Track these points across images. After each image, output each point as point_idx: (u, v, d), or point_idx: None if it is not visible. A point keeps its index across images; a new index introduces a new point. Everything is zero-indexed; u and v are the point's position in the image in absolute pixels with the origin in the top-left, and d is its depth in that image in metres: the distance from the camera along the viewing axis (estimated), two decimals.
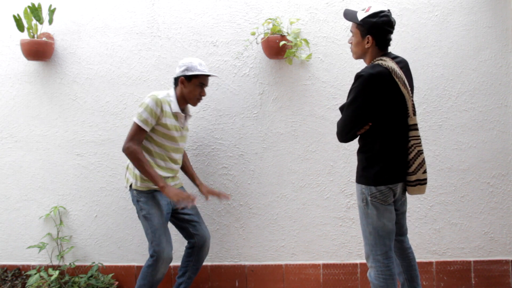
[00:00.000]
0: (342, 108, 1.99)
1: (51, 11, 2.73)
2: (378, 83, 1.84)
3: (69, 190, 2.89)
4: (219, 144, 2.83)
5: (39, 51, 2.72)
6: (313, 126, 2.77)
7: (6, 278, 2.81)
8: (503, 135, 2.73)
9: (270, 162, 2.80)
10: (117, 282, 2.81)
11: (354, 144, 2.22)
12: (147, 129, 2.23)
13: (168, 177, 2.36)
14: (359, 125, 1.91)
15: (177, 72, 2.35)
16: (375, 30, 1.90)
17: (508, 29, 2.71)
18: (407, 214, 2.37)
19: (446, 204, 2.75)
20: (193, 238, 2.46)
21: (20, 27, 2.69)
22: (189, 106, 2.50)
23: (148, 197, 2.31)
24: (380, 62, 1.88)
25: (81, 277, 2.73)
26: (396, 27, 1.96)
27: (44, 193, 2.90)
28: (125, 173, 2.43)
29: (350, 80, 2.00)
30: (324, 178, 2.78)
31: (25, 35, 2.79)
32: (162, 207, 2.33)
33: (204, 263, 2.78)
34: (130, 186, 2.35)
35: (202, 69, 2.33)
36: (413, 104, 1.92)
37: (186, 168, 2.59)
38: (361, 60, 2.08)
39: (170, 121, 2.30)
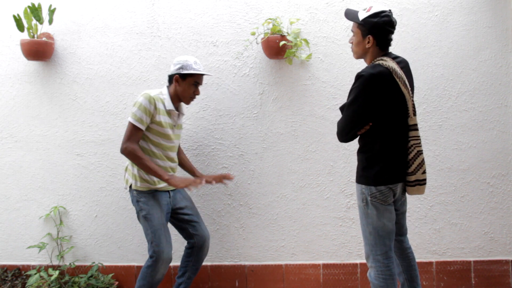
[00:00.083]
0: (342, 108, 1.99)
1: (51, 11, 2.73)
2: (378, 83, 1.84)
3: (69, 190, 2.89)
4: (219, 144, 2.83)
5: (39, 51, 2.72)
6: (313, 126, 2.78)
7: (6, 278, 2.81)
8: (503, 135, 2.73)
9: (270, 162, 2.80)
10: (117, 282, 2.81)
11: (354, 144, 2.22)
12: (143, 127, 2.22)
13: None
14: (359, 125, 1.91)
15: (172, 69, 2.34)
16: (376, 30, 1.90)
17: (508, 29, 2.71)
18: (407, 214, 2.38)
19: (446, 204, 2.75)
20: (193, 238, 2.46)
21: (20, 27, 2.69)
22: (183, 104, 2.48)
23: (148, 197, 2.30)
24: (380, 62, 1.88)
25: (81, 277, 2.73)
26: (396, 27, 1.96)
27: (44, 193, 2.90)
28: (124, 175, 2.43)
29: (350, 80, 2.00)
30: (324, 178, 2.78)
31: (25, 35, 2.79)
32: (162, 207, 2.33)
33: (204, 263, 2.78)
34: (130, 187, 2.34)
35: (197, 68, 2.32)
36: (413, 104, 1.92)
37: (184, 163, 2.58)
38: (362, 60, 2.08)
39: (164, 118, 2.29)
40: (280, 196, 2.81)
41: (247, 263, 2.84)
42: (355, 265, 2.78)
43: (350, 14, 2.00)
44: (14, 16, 2.66)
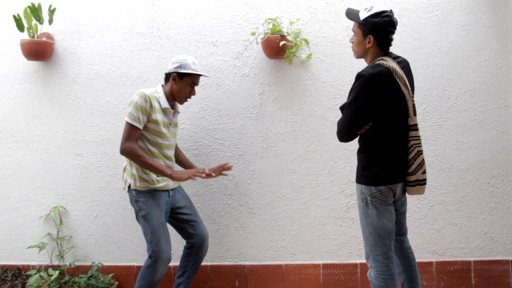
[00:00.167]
0: (342, 108, 1.99)
1: (51, 11, 2.73)
2: (379, 83, 1.84)
3: (69, 190, 2.89)
4: (219, 144, 2.83)
5: (39, 51, 2.72)
6: (313, 126, 2.78)
7: (6, 278, 2.81)
8: (503, 135, 2.73)
9: (270, 162, 2.80)
10: (117, 282, 2.81)
11: (354, 144, 2.22)
12: (140, 126, 2.22)
13: None
14: (359, 125, 1.91)
15: (170, 67, 2.34)
16: (377, 30, 1.90)
17: (508, 29, 2.71)
18: (407, 214, 2.37)
19: (446, 204, 2.75)
20: (192, 238, 2.46)
21: (20, 27, 2.69)
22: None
23: (147, 197, 2.30)
24: (381, 62, 1.88)
25: (81, 277, 2.73)
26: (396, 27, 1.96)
27: (44, 193, 2.90)
28: (122, 175, 2.42)
29: (350, 80, 2.00)
30: (324, 178, 2.78)
31: (25, 35, 2.79)
32: (161, 206, 2.33)
33: (204, 263, 2.78)
34: (129, 187, 2.33)
35: (195, 68, 2.32)
36: (413, 104, 1.92)
37: (182, 160, 2.58)
38: (362, 60, 2.08)
39: (160, 117, 2.29)
40: (280, 196, 2.81)
41: (247, 263, 2.84)
42: (355, 265, 2.78)
43: (351, 14, 2.00)
44: (14, 16, 2.66)
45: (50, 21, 2.74)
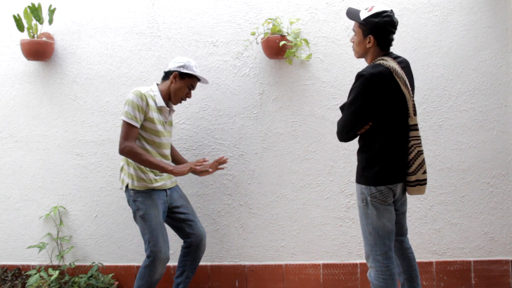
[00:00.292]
0: (342, 108, 1.99)
1: (51, 11, 2.73)
2: (379, 83, 1.84)
3: (69, 190, 2.89)
4: (219, 144, 2.83)
5: (39, 51, 2.72)
6: (313, 126, 2.78)
7: (6, 278, 2.81)
8: (503, 135, 2.73)
9: (270, 162, 2.80)
10: (117, 282, 2.81)
11: (354, 144, 2.22)
12: (137, 125, 2.22)
13: (164, 175, 2.36)
14: (359, 125, 1.91)
15: (171, 66, 2.35)
16: (377, 30, 1.90)
17: (508, 29, 2.71)
18: (407, 214, 2.37)
19: (446, 204, 2.75)
20: (189, 237, 2.46)
21: (20, 27, 2.69)
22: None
23: (145, 196, 2.29)
24: (381, 61, 1.88)
25: (81, 277, 2.73)
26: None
27: (44, 193, 2.90)
28: (119, 175, 2.41)
29: (350, 80, 2.00)
30: (324, 178, 2.78)
31: (25, 35, 2.79)
32: (159, 206, 2.32)
33: (204, 263, 2.78)
34: (126, 187, 2.32)
35: (197, 72, 2.37)
36: (413, 104, 1.92)
37: (177, 158, 2.58)
38: (362, 60, 2.08)
39: (156, 115, 2.30)
40: (280, 196, 2.81)
41: (247, 263, 2.84)
42: (355, 265, 2.78)
43: (352, 14, 2.00)
44: (14, 16, 2.66)
45: (50, 21, 2.74)
